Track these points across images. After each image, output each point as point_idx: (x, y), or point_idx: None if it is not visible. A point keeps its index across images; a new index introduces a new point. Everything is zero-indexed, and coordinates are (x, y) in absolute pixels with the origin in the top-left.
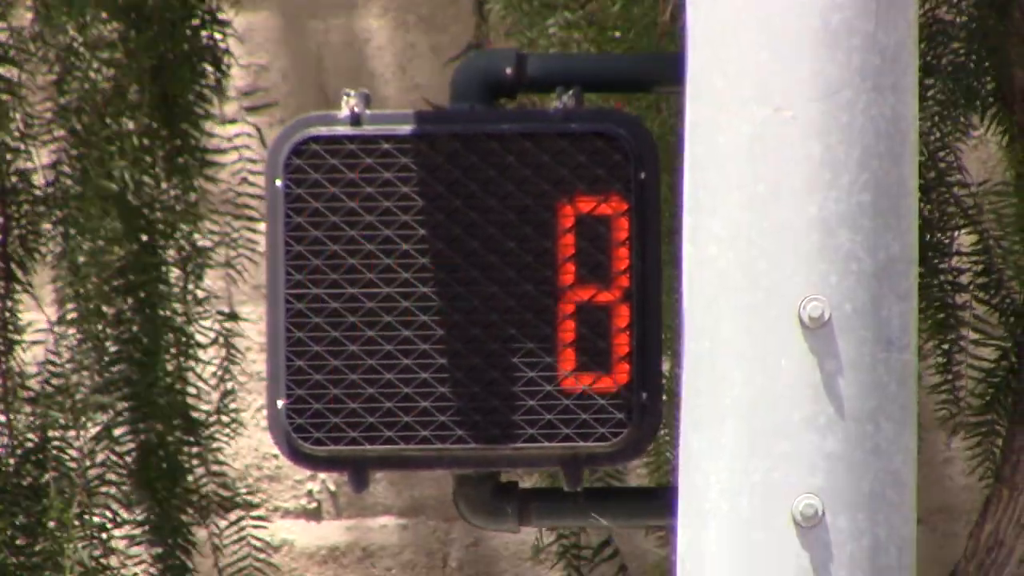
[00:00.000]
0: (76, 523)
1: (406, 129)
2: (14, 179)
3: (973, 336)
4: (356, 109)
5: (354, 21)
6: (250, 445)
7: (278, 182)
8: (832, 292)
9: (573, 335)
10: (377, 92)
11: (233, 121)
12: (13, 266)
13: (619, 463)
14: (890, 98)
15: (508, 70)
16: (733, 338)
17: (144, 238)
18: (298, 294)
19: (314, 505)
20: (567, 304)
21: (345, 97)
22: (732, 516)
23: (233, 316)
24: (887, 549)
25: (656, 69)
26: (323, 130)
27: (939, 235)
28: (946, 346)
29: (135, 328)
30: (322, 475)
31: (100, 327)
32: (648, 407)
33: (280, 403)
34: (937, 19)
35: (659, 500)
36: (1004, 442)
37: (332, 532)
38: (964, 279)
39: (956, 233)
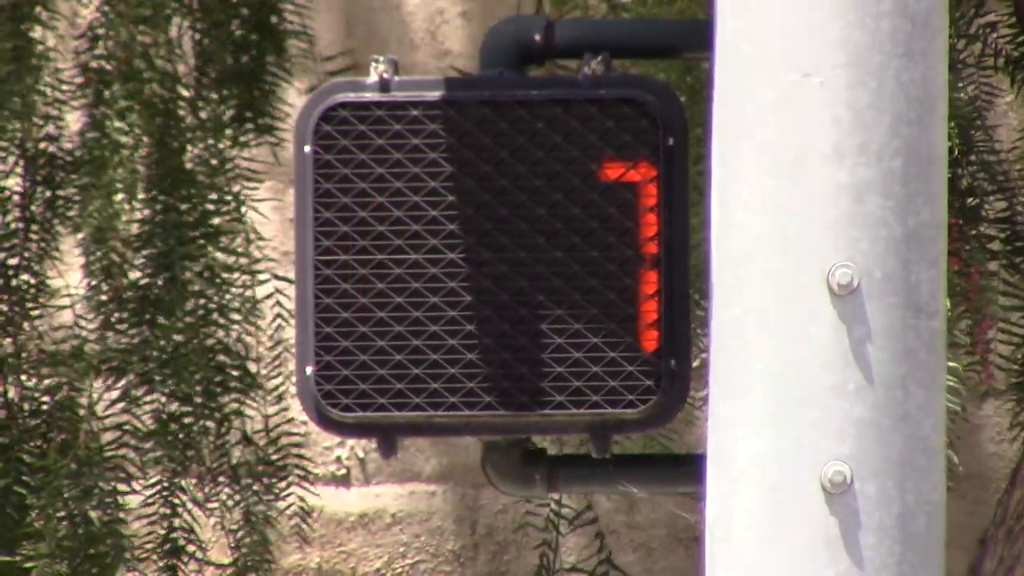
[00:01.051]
0: (67, 480)
1: (435, 95)
2: (42, 144)
3: (1004, 303)
4: (385, 75)
5: None
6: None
7: (307, 148)
8: (861, 258)
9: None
10: (406, 58)
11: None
12: (36, 229)
13: (648, 430)
14: (920, 64)
15: (537, 36)
16: (761, 305)
17: (169, 199)
18: (327, 260)
19: (343, 471)
20: (596, 270)
21: (374, 63)
22: (761, 483)
23: (285, 279)
24: (916, 516)
25: (685, 35)
26: (352, 96)
27: (969, 201)
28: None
29: (155, 290)
30: (351, 441)
31: (116, 289)
32: (677, 374)
33: (309, 369)
34: None
35: (688, 467)
36: None
37: (361, 498)
38: (994, 246)
39: (986, 199)
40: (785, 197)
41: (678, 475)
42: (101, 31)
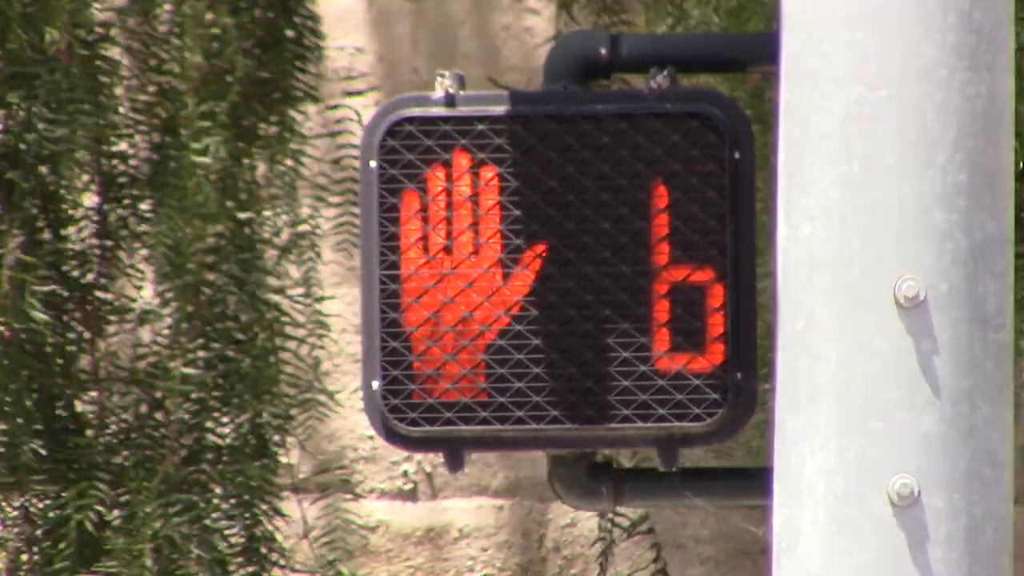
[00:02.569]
0: (155, 499)
1: (500, 110)
2: (115, 161)
3: None
4: (450, 90)
5: (447, 3)
6: (346, 426)
7: (372, 163)
8: (927, 271)
9: (668, 315)
10: (471, 73)
11: (335, 107)
12: (109, 245)
13: (714, 443)
14: (986, 77)
15: (602, 51)
16: (827, 318)
17: (240, 216)
18: (392, 275)
19: (410, 486)
20: (661, 284)
21: (439, 78)
22: (827, 496)
23: (321, 298)
24: (983, 529)
25: (750, 48)
26: (417, 111)
27: None
28: None
29: (231, 306)
30: (418, 456)
31: (194, 307)
32: (743, 387)
33: (375, 384)
34: None
35: (754, 480)
36: None
37: (428, 513)
38: None
39: None
40: (851, 210)
41: (744, 488)
42: (173, 47)
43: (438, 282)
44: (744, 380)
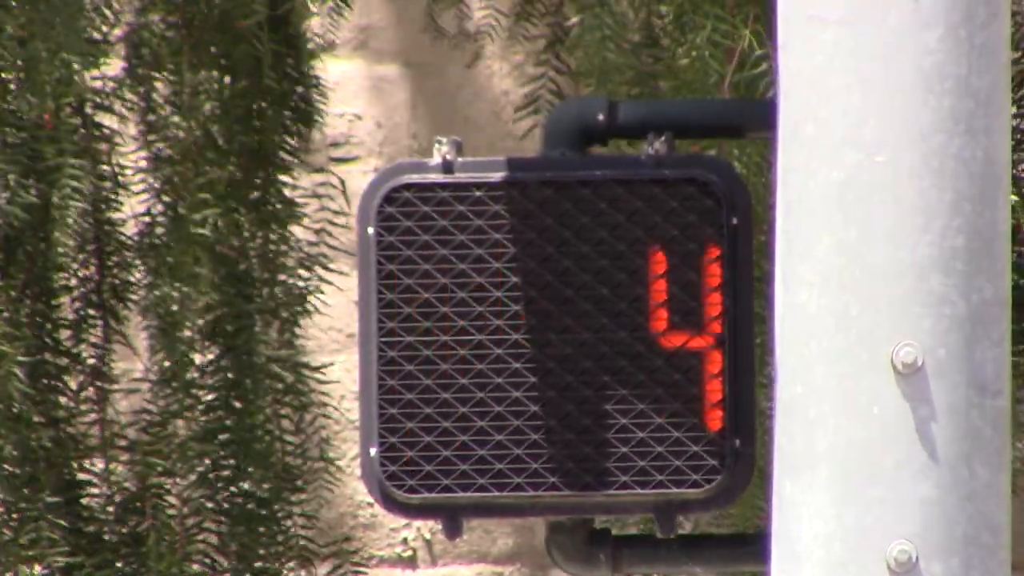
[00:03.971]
0: (175, 571)
1: (498, 176)
2: (107, 228)
3: None
4: (448, 156)
5: (446, 69)
6: (345, 493)
7: (370, 230)
8: (925, 337)
9: (666, 381)
10: (469, 140)
11: (320, 170)
12: (107, 315)
13: (713, 509)
14: (983, 141)
15: (600, 117)
16: (825, 383)
17: (236, 286)
18: (390, 342)
19: (409, 553)
20: (660, 350)
21: (437, 144)
22: (826, 561)
23: (318, 367)
24: None
25: (747, 114)
26: (415, 177)
27: None
28: None
29: (230, 375)
30: (416, 523)
31: (193, 375)
32: (741, 453)
33: (373, 451)
34: None
35: (752, 546)
36: None
37: None
38: None
39: None
40: (848, 276)
41: (743, 554)
42: (167, 116)
43: (436, 349)
44: (742, 446)
